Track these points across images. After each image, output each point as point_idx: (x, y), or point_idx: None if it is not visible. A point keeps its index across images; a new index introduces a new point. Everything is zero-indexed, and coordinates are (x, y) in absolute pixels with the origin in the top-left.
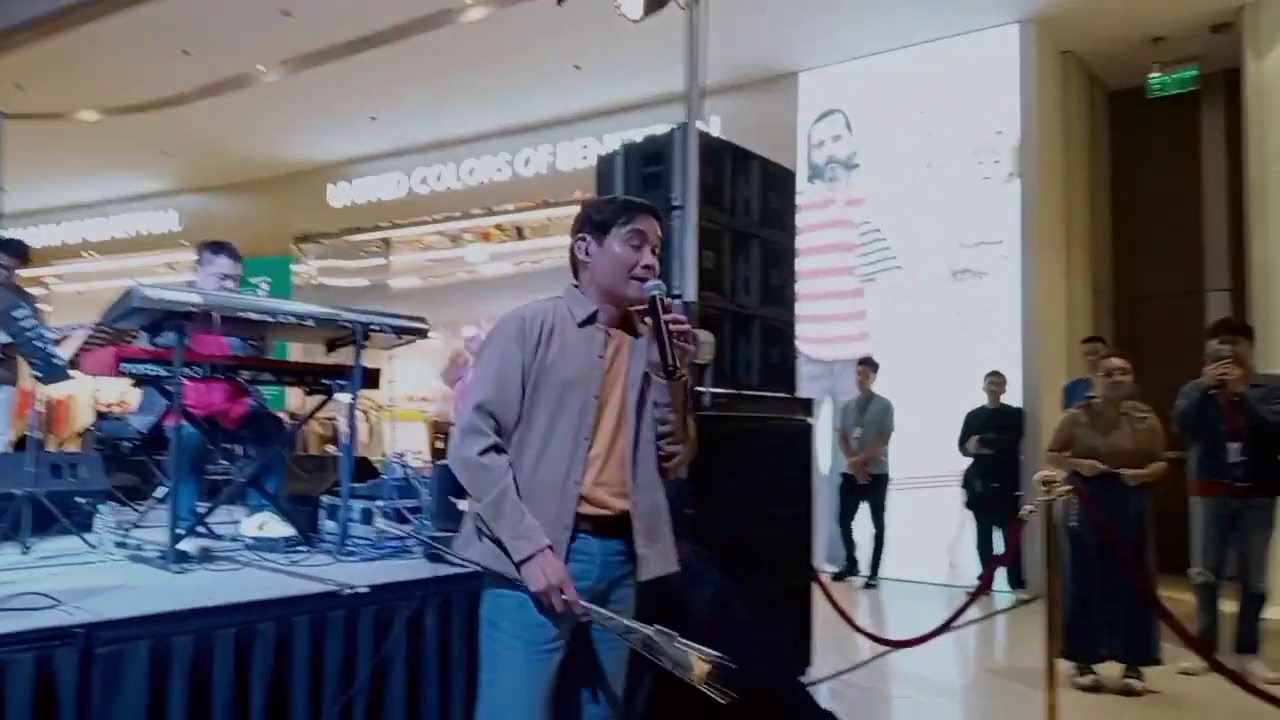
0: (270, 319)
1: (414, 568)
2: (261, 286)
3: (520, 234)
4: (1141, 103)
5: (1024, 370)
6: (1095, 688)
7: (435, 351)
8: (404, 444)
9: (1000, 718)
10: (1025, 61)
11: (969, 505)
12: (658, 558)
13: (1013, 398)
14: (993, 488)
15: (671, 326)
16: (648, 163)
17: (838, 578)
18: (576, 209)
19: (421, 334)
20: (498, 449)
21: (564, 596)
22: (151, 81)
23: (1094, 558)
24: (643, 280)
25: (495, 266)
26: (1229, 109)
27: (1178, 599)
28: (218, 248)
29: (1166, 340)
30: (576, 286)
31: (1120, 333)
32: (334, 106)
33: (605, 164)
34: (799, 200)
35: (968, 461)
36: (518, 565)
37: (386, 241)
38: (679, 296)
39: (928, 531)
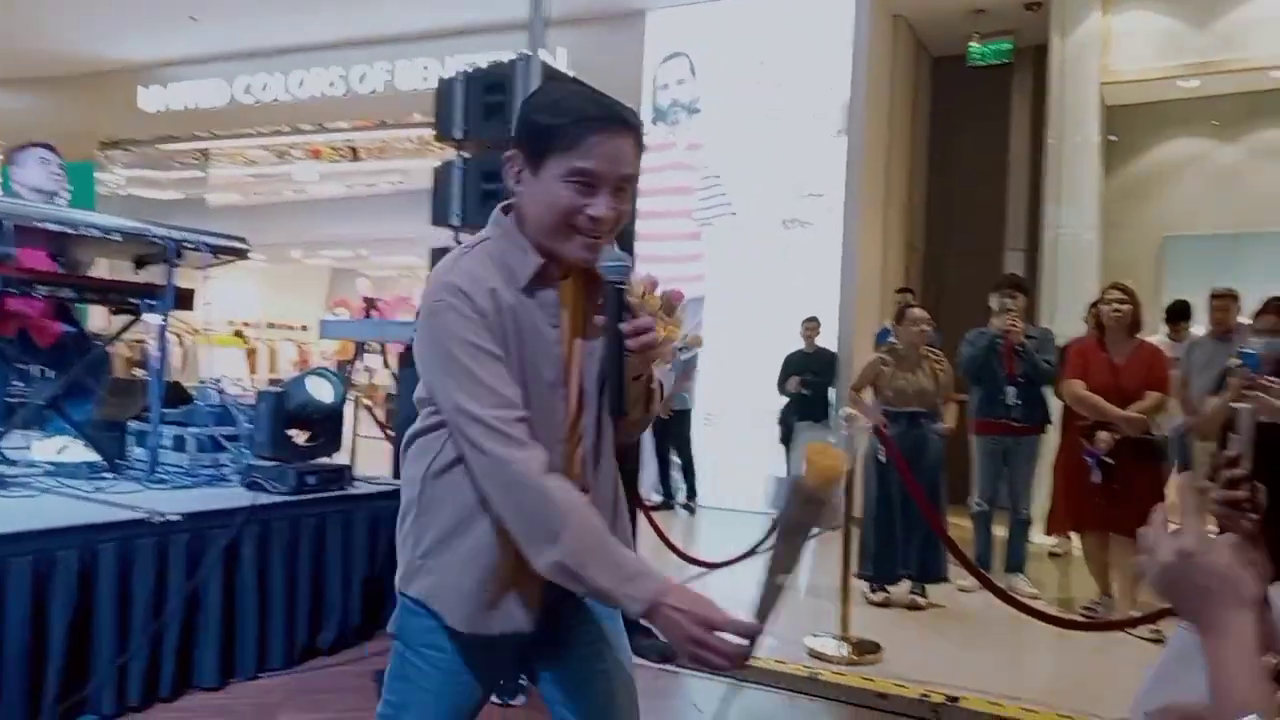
0: (71, 231)
1: (231, 496)
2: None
3: (355, 154)
4: (962, 70)
5: (840, 317)
6: (885, 603)
7: (261, 273)
8: (222, 370)
9: (800, 630)
10: (859, 21)
11: (783, 441)
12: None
13: (829, 341)
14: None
15: (631, 342)
16: (489, 91)
17: (656, 507)
18: (415, 132)
19: (240, 254)
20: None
21: (727, 634)
22: None
23: (895, 489)
24: (587, 235)
25: (326, 187)
26: (1036, 82)
27: (957, 525)
28: (25, 145)
29: (969, 294)
30: (507, 214)
31: (928, 286)
32: (148, 1)
33: (445, 88)
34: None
35: (786, 398)
36: (643, 617)
37: (204, 153)
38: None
39: (747, 463)
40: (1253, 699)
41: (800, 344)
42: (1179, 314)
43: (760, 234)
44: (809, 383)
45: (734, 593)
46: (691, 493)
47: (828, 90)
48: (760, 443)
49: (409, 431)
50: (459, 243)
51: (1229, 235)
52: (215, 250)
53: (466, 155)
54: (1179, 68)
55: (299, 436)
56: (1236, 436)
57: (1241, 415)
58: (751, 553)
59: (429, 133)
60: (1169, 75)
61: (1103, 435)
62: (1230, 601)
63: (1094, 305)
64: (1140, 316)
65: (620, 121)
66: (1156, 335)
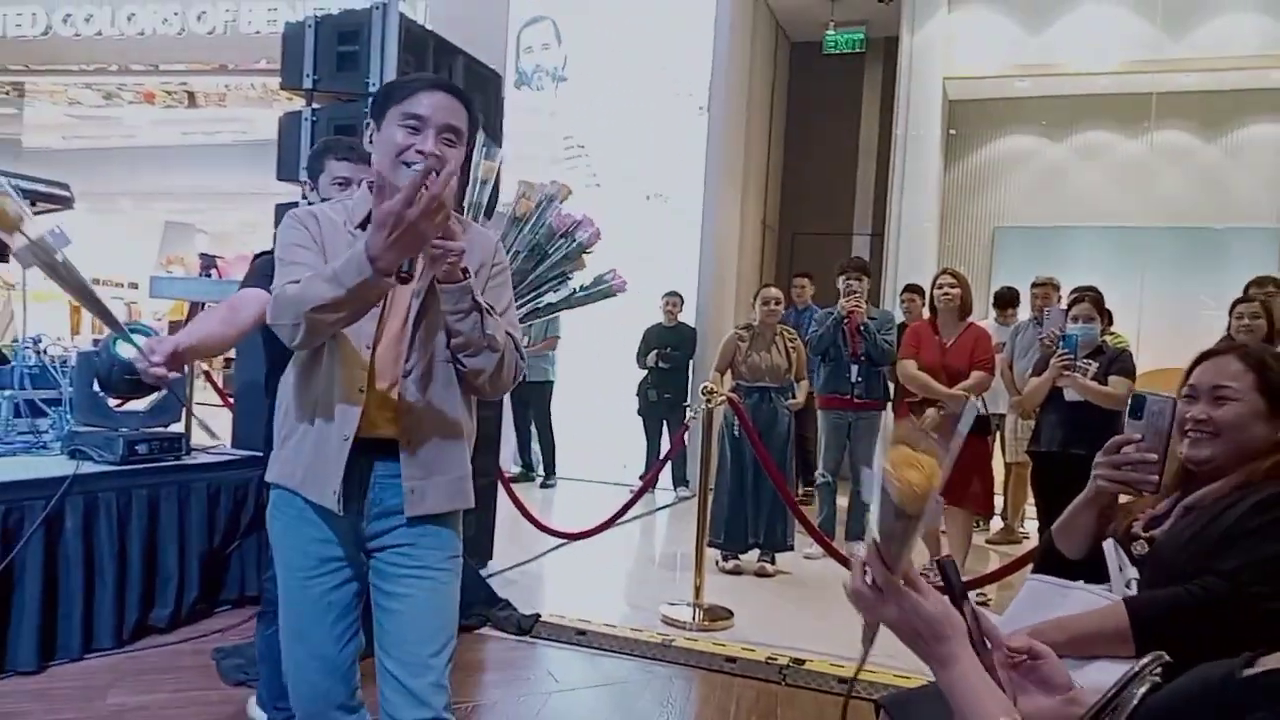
0: None
1: (52, 464)
2: None
3: (193, 100)
4: (818, 57)
5: (699, 292)
6: (737, 571)
7: (86, 225)
8: (41, 327)
9: (655, 598)
10: (721, 1)
11: (640, 413)
12: (436, 492)
13: (688, 316)
14: (665, 398)
15: (408, 210)
16: (343, 40)
17: (515, 479)
18: (261, 80)
19: (63, 203)
20: None
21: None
22: None
23: (747, 462)
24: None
25: (159, 133)
26: (886, 74)
27: (804, 496)
28: None
29: (822, 274)
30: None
31: (780, 266)
32: None
33: (293, 34)
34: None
35: (644, 372)
36: (373, 269)
37: (19, 88)
38: None
39: (605, 436)
40: (997, 708)
41: (660, 318)
42: (1006, 300)
43: (623, 207)
44: (668, 356)
45: (591, 563)
46: (549, 470)
47: (691, 67)
48: (619, 415)
49: None
50: (306, 199)
51: (1052, 228)
52: (32, 198)
53: (317, 107)
54: (1015, 68)
55: (136, 402)
56: (1138, 422)
57: (1150, 402)
58: (610, 523)
59: (275, 81)
60: (1005, 75)
61: (930, 412)
62: (951, 637)
63: (904, 293)
64: (969, 300)
65: (449, 87)
66: (986, 320)
